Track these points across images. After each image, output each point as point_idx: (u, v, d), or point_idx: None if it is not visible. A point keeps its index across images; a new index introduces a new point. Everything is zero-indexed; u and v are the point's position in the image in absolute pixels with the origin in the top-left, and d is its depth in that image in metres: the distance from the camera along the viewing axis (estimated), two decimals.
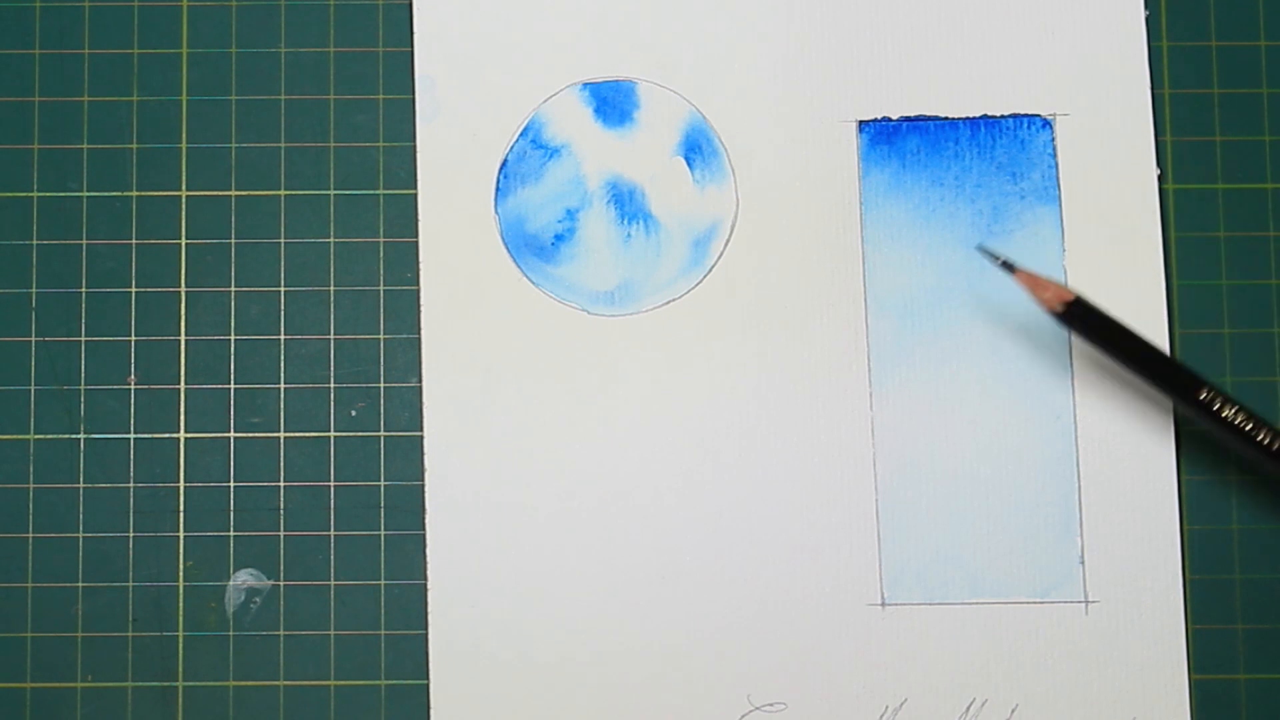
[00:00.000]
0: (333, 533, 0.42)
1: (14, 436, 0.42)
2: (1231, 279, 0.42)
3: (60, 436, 0.42)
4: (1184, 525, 0.41)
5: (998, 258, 0.39)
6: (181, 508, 0.42)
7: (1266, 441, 0.37)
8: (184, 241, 0.43)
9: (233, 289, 0.42)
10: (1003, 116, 0.42)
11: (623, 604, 0.41)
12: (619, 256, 0.42)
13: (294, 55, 0.43)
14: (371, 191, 0.43)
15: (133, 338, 0.42)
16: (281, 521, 0.42)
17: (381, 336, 0.42)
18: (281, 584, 0.41)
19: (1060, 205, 0.42)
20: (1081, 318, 0.38)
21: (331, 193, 0.43)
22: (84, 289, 0.42)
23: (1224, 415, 0.38)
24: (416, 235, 0.42)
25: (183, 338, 0.42)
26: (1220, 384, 0.42)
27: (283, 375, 0.42)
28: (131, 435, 0.42)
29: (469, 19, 0.43)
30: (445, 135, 0.43)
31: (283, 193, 0.43)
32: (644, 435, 0.41)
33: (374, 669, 0.41)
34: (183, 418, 0.42)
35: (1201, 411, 0.38)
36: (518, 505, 0.41)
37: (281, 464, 0.42)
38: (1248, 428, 0.38)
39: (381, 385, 0.42)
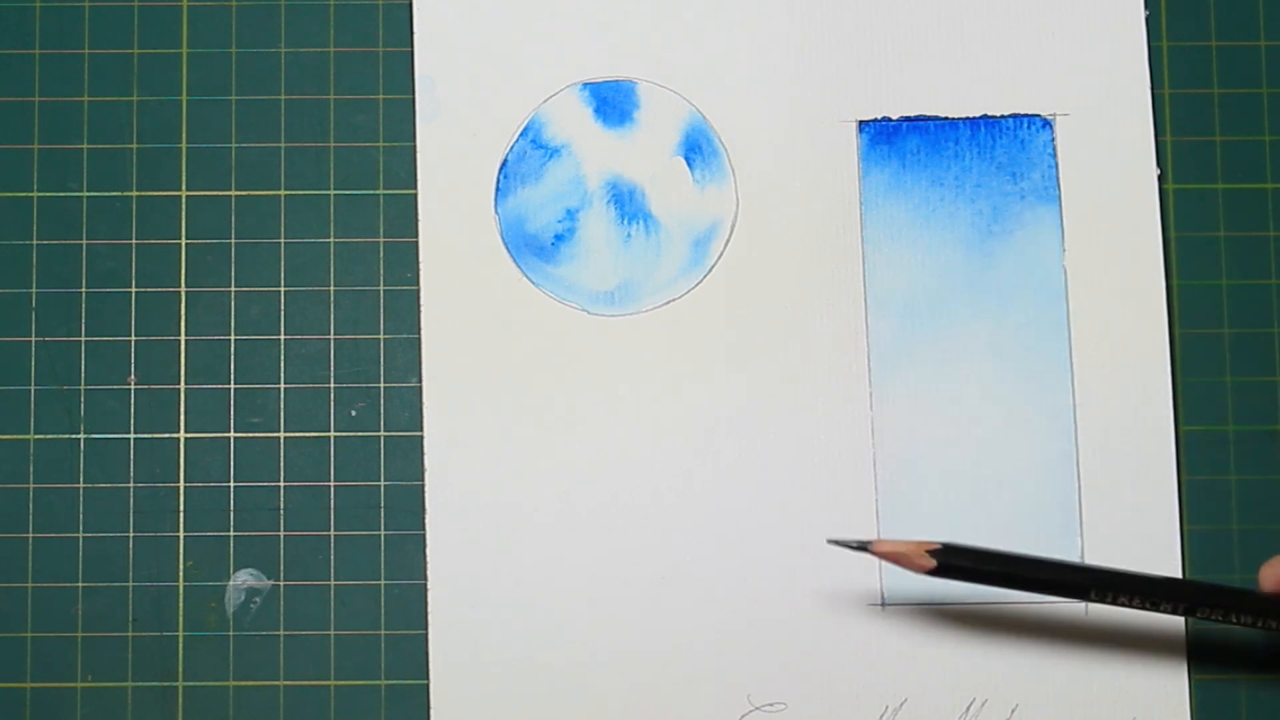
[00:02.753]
0: (333, 533, 0.42)
1: (14, 436, 0.42)
2: (1231, 279, 0.42)
3: (60, 436, 0.42)
4: (1184, 525, 0.41)
5: (849, 544, 0.36)
6: (181, 508, 0.42)
7: (1170, 609, 0.36)
8: (184, 241, 0.43)
9: (233, 289, 0.42)
10: (1003, 116, 0.42)
11: (623, 604, 0.41)
12: (619, 256, 0.42)
13: (294, 55, 0.43)
14: (371, 191, 0.43)
15: (133, 338, 0.42)
16: (281, 521, 0.42)
17: (381, 336, 0.42)
18: (281, 584, 0.41)
19: (1060, 205, 0.42)
20: (956, 563, 0.36)
21: (331, 193, 0.43)
22: (84, 289, 0.42)
23: (1121, 602, 0.36)
24: (416, 235, 0.42)
25: (183, 338, 0.42)
26: (1220, 384, 0.42)
27: (283, 375, 0.42)
28: (131, 435, 0.42)
29: (469, 19, 0.43)
30: (445, 135, 0.43)
31: (283, 193, 0.43)
32: (644, 435, 0.41)
33: (374, 669, 0.41)
34: (183, 418, 0.42)
35: (1100, 600, 0.36)
36: (518, 505, 0.41)
37: (281, 464, 0.42)
38: (1146, 606, 0.36)
39: (381, 385, 0.42)
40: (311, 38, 0.43)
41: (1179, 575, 0.41)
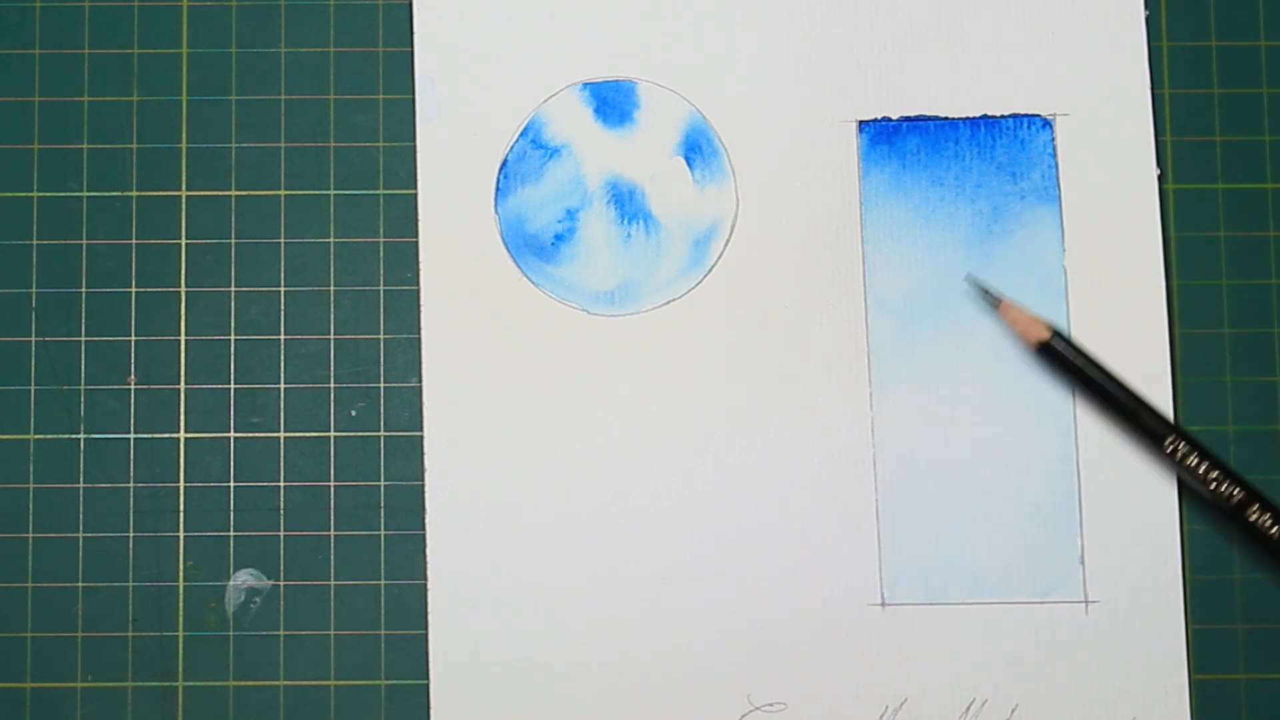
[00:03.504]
0: (333, 533, 0.42)
1: (14, 436, 0.42)
2: (1231, 279, 0.42)
3: (60, 436, 0.42)
4: (1184, 525, 0.41)
5: (986, 291, 0.39)
6: (181, 508, 0.42)
7: (1227, 494, 0.37)
8: (184, 241, 0.43)
9: (233, 289, 0.42)
10: (1003, 116, 0.42)
11: (623, 604, 0.41)
12: (619, 256, 0.42)
13: (294, 55, 0.43)
14: (371, 191, 0.43)
15: (133, 338, 0.42)
16: (281, 521, 0.42)
17: (381, 336, 0.42)
18: (281, 584, 0.41)
19: (1060, 205, 0.42)
20: (1058, 354, 0.39)
21: (331, 193, 0.43)
22: (84, 289, 0.42)
23: (1189, 464, 0.38)
24: (416, 235, 0.42)
25: (183, 338, 0.42)
26: (1220, 384, 0.42)
27: (283, 375, 0.42)
28: (131, 435, 0.42)
29: (469, 19, 0.43)
30: (445, 135, 0.43)
31: (283, 193, 0.43)
32: (644, 435, 0.41)
33: (374, 669, 0.41)
34: (183, 418, 0.42)
35: (1167, 459, 0.38)
36: (518, 505, 0.41)
37: (281, 464, 0.42)
38: (1211, 479, 0.38)
39: (381, 385, 0.42)
40: (311, 38, 0.43)
41: (1179, 578, 0.41)
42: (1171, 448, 0.38)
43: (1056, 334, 0.38)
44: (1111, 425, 0.40)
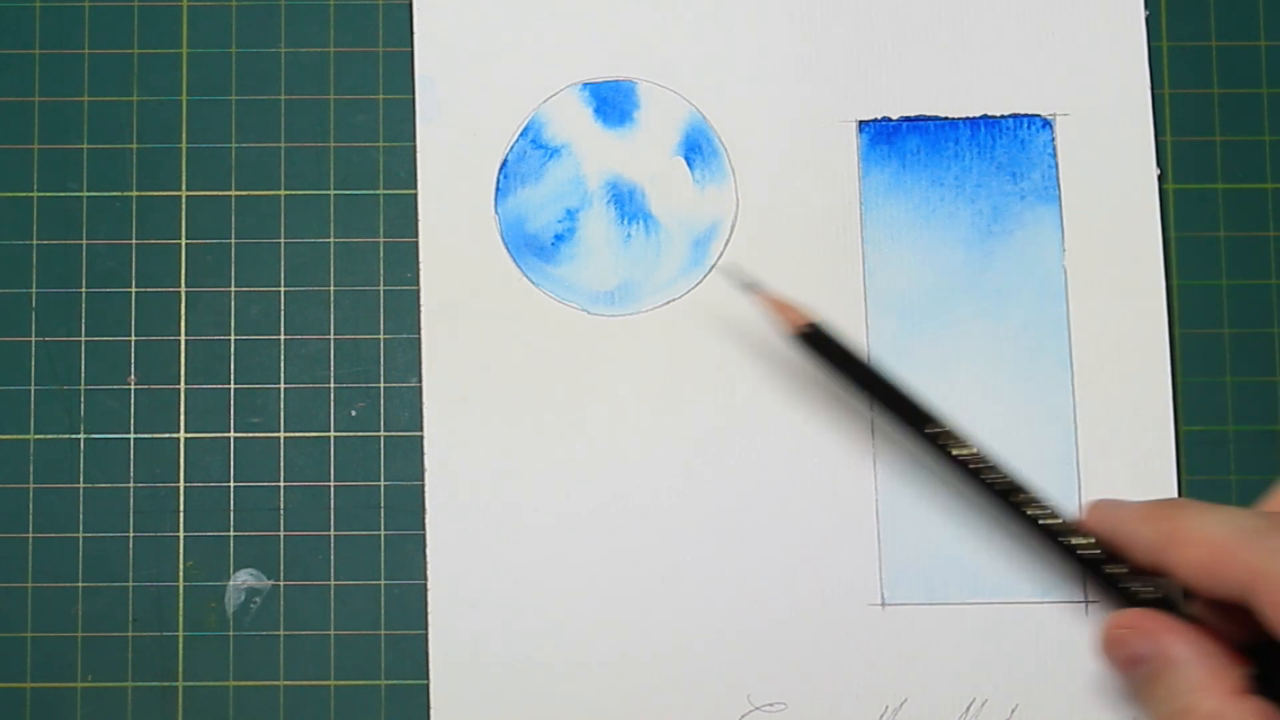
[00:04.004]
0: (333, 533, 0.42)
1: (14, 436, 0.42)
2: (1231, 279, 0.42)
3: (60, 436, 0.42)
4: None
5: (739, 279, 0.39)
6: (181, 508, 0.42)
7: (993, 483, 0.37)
8: (184, 241, 0.43)
9: (233, 289, 0.42)
10: (1003, 116, 0.42)
11: (623, 604, 0.41)
12: (619, 256, 0.42)
13: (294, 55, 0.43)
14: (371, 191, 0.43)
15: (133, 338, 0.42)
16: (281, 521, 0.42)
17: (381, 336, 0.42)
18: (281, 584, 0.41)
19: (1060, 205, 0.42)
20: (819, 343, 0.38)
21: (331, 193, 0.43)
22: (84, 289, 0.42)
23: (955, 453, 0.37)
24: (416, 235, 0.42)
25: (183, 338, 0.42)
26: (1220, 384, 0.42)
27: (283, 375, 0.42)
28: (131, 435, 0.42)
29: (469, 19, 0.43)
30: (445, 135, 0.43)
31: (283, 193, 0.43)
32: (644, 435, 0.41)
33: (374, 669, 0.41)
34: (183, 418, 0.42)
35: (930, 446, 0.37)
36: (518, 505, 0.41)
37: (281, 464, 0.42)
38: (978, 467, 0.37)
39: (381, 385, 0.42)
40: (311, 38, 0.43)
41: None
42: (934, 434, 0.37)
43: (814, 325, 0.38)
44: (878, 417, 0.40)
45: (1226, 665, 0.34)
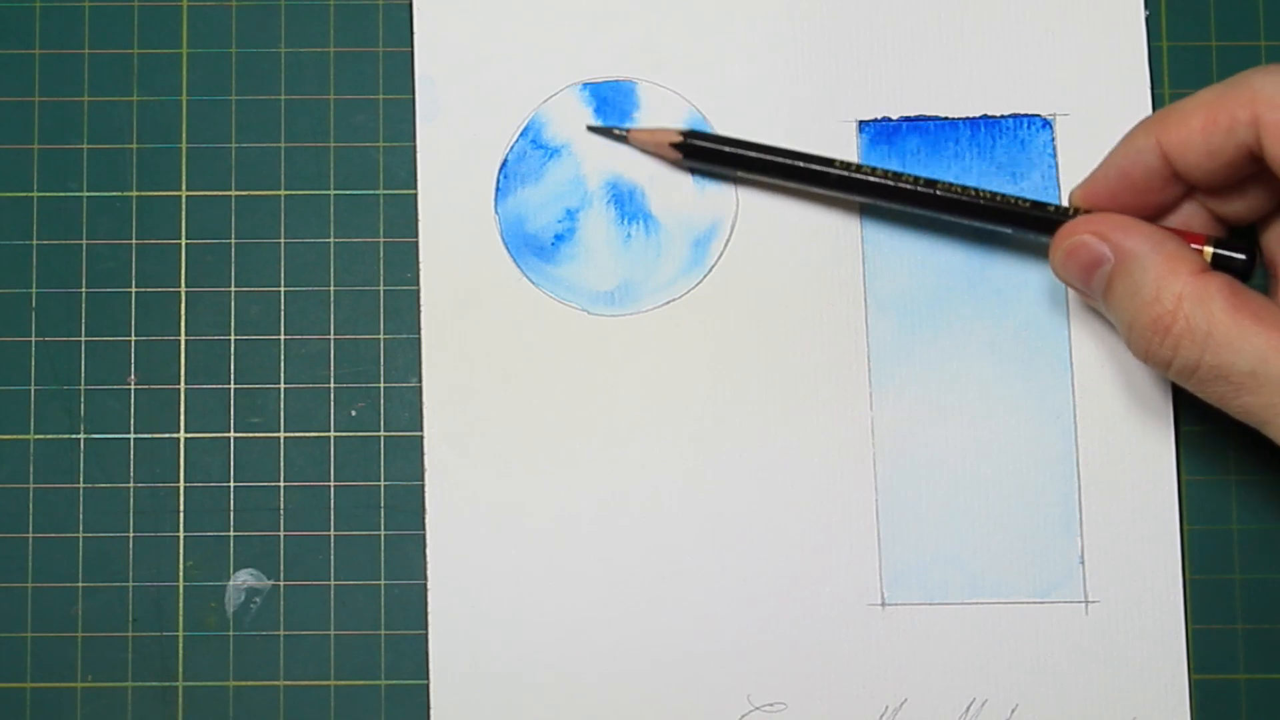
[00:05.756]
0: (333, 533, 0.42)
1: (14, 436, 0.42)
2: None
3: (60, 436, 0.42)
4: (1184, 525, 0.41)
5: (610, 130, 0.42)
6: (181, 508, 0.42)
7: (915, 189, 0.39)
8: (184, 241, 0.43)
9: (233, 289, 0.42)
10: (1003, 116, 0.42)
11: (622, 604, 0.41)
12: (619, 256, 0.42)
13: (294, 55, 0.43)
14: (371, 191, 0.43)
15: (133, 338, 0.42)
16: (281, 521, 0.42)
17: (381, 336, 0.42)
18: (281, 584, 0.41)
19: None
20: (700, 147, 0.41)
21: (331, 193, 0.43)
22: (84, 289, 0.42)
23: (879, 182, 0.39)
24: (416, 235, 0.42)
25: (183, 338, 0.42)
26: None
27: (283, 375, 0.42)
28: (131, 435, 0.42)
29: (469, 19, 0.43)
30: (445, 135, 0.43)
31: (283, 193, 0.43)
32: (644, 435, 0.41)
33: (374, 669, 0.41)
34: (183, 418, 0.42)
35: (846, 185, 0.40)
36: (518, 505, 0.41)
37: (281, 464, 0.42)
38: (903, 182, 0.39)
39: (381, 385, 0.42)
40: (311, 38, 0.43)
41: (1179, 578, 0.41)
42: (854, 176, 0.39)
43: (689, 131, 0.41)
44: (789, 194, 0.42)
45: (1184, 249, 0.35)
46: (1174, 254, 0.35)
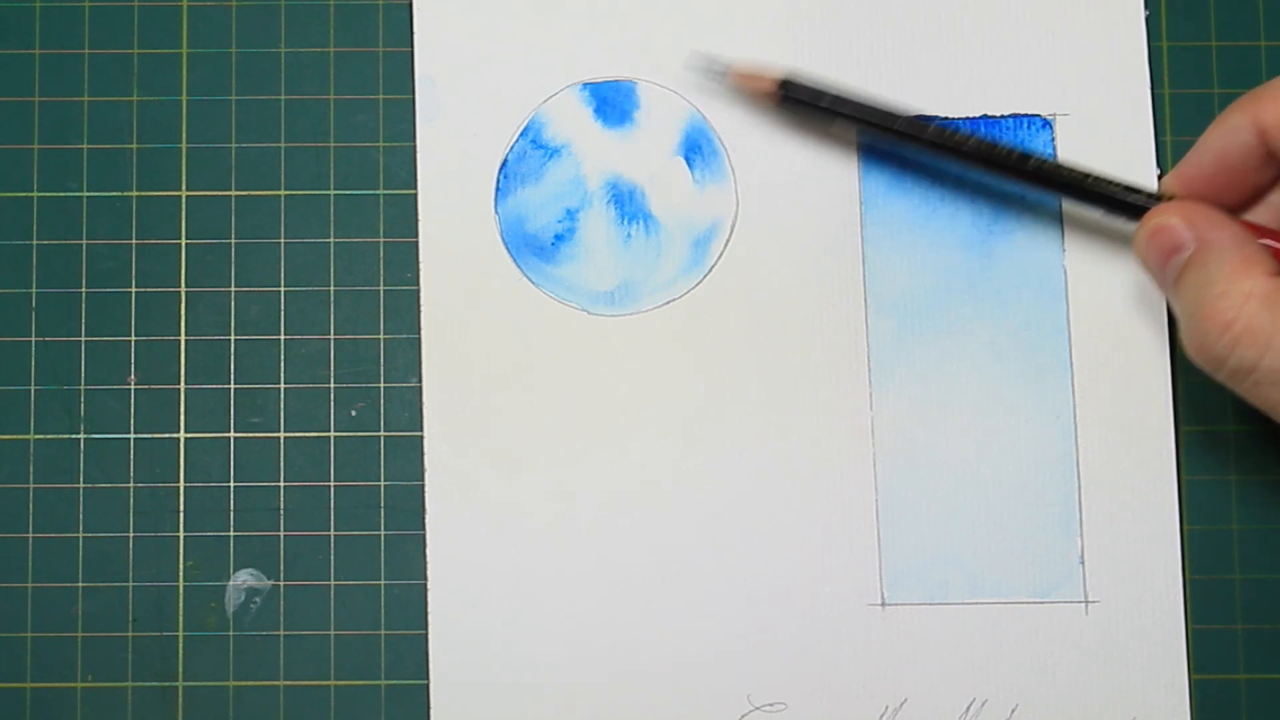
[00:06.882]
0: (333, 533, 0.42)
1: (14, 436, 0.42)
2: None
3: (60, 436, 0.42)
4: (1184, 525, 0.41)
5: (710, 66, 0.42)
6: (181, 508, 0.42)
7: (1007, 156, 0.39)
8: (184, 241, 0.43)
9: (233, 289, 0.42)
10: (1003, 116, 0.42)
11: (622, 604, 0.41)
12: (619, 256, 0.42)
13: (294, 55, 0.43)
14: (371, 191, 0.43)
15: (133, 338, 0.42)
16: (281, 521, 0.42)
17: (381, 336, 0.42)
18: (281, 584, 0.41)
19: (1060, 205, 0.42)
20: (800, 94, 0.41)
21: (331, 193, 0.43)
22: (84, 289, 0.42)
23: (953, 144, 0.39)
24: (416, 235, 0.42)
25: (183, 338, 0.42)
26: (1220, 384, 0.42)
27: (283, 375, 0.42)
28: (131, 435, 0.42)
29: (469, 19, 0.43)
30: (445, 135, 0.43)
31: (283, 193, 0.43)
32: (644, 435, 0.41)
33: (374, 669, 0.41)
34: (183, 418, 0.42)
35: (940, 147, 0.40)
36: (518, 505, 0.41)
37: (281, 464, 0.42)
38: (963, 140, 0.39)
39: (381, 385, 0.42)
40: (311, 38, 0.43)
41: (1179, 578, 0.41)
42: (947, 140, 0.39)
43: (788, 81, 0.41)
44: (885, 143, 0.42)
45: (1264, 252, 0.35)
46: (1253, 254, 0.35)
